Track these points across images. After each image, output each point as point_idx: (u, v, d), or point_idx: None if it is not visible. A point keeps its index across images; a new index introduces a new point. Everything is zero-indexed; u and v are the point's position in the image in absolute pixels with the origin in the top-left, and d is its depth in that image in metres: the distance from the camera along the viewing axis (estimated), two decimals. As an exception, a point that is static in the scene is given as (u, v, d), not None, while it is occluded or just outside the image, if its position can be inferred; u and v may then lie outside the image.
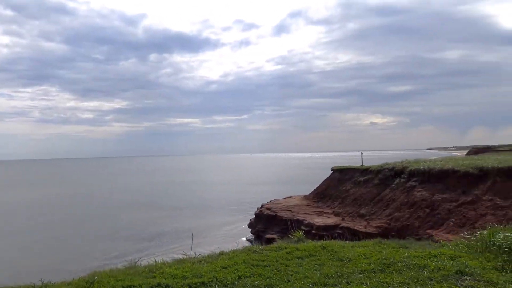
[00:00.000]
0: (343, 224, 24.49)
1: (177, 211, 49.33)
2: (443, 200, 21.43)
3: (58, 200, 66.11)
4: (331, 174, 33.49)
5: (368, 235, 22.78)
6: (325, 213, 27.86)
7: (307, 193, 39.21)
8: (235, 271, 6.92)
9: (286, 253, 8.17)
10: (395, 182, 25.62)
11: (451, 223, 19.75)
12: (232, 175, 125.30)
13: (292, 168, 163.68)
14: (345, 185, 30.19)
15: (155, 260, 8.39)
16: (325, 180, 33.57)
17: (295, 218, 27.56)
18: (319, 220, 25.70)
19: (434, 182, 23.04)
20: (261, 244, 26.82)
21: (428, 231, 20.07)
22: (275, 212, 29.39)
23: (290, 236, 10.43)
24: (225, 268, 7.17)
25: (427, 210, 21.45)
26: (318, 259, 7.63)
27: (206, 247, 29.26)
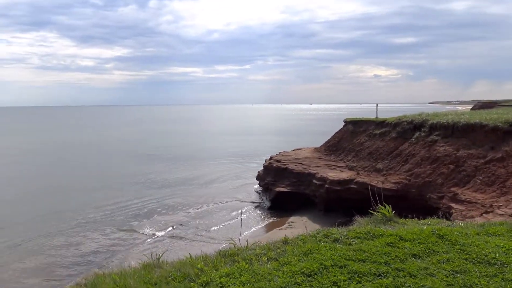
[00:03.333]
0: (358, 179, 23.27)
1: (182, 162, 48.35)
2: (469, 156, 20.01)
3: (54, 148, 65.12)
4: (343, 126, 31.97)
5: (386, 191, 21.65)
6: (338, 166, 26.61)
7: (314, 145, 37.94)
8: (332, 286, 4.70)
9: (388, 244, 6.00)
10: (415, 136, 24.10)
11: (479, 181, 18.45)
12: (235, 125, 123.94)
13: (295, 119, 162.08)
14: (359, 138, 28.75)
15: (189, 254, 6.45)
16: (337, 132, 32.10)
17: (306, 172, 26.38)
18: (333, 174, 24.47)
19: (459, 137, 21.52)
20: (270, 197, 25.81)
21: (453, 188, 18.82)
22: (285, 164, 28.16)
23: (373, 212, 8.20)
24: (310, 276, 4.96)
25: (451, 166, 20.09)
26: (448, 260, 5.43)
27: (219, 199, 28.58)
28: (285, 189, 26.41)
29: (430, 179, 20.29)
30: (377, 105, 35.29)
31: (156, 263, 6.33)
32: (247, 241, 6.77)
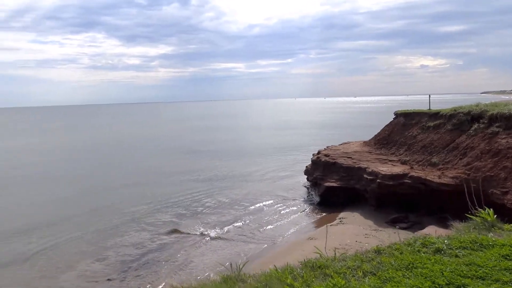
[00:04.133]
0: (413, 173, 22.37)
1: (227, 157, 48.67)
2: (535, 149, 18.73)
3: (104, 145, 67.43)
4: (394, 118, 30.89)
5: (444, 186, 20.69)
6: (390, 160, 25.74)
7: (362, 138, 36.98)
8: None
9: (503, 257, 5.25)
10: (473, 128, 22.85)
11: (547, 175, 17.23)
12: (278, 120, 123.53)
13: (340, 113, 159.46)
14: (411, 131, 27.66)
15: (275, 266, 5.96)
16: (387, 125, 31.07)
17: (356, 166, 25.71)
18: (384, 169, 23.68)
19: (523, 128, 20.19)
20: (319, 192, 25.35)
21: (518, 183, 17.68)
22: (334, 159, 27.59)
23: (470, 216, 7.32)
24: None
25: (515, 159, 18.88)
26: None
27: (267, 195, 28.46)
28: (334, 184, 25.89)
29: (492, 174, 19.15)
30: (429, 96, 33.85)
31: (238, 275, 5.98)
32: (334, 251, 6.41)
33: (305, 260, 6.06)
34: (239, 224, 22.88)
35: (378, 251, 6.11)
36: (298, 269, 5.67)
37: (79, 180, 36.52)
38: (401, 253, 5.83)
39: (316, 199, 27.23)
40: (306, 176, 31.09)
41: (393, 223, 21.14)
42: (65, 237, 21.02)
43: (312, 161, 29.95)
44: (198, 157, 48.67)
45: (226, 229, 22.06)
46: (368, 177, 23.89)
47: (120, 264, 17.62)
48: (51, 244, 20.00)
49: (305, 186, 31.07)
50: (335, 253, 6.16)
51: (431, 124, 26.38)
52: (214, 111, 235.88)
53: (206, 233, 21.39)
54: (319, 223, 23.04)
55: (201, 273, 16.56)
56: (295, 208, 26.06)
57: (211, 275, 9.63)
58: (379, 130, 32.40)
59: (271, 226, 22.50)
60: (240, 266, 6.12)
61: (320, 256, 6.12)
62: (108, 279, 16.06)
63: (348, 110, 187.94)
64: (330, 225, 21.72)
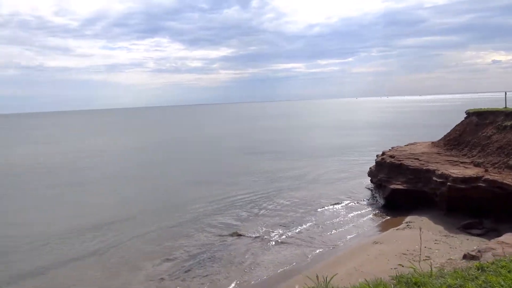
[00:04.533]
0: (488, 177, 20.85)
1: (287, 158, 48.46)
2: None
3: (169, 144, 69.66)
4: (465, 118, 29.06)
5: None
6: (461, 162, 24.20)
7: (429, 139, 35.21)
8: None
9: None
10: (557, 127, 20.96)
11: None
12: (339, 120, 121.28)
13: (404, 112, 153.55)
14: (485, 131, 25.85)
15: (365, 280, 5.50)
16: (458, 125, 29.30)
17: (424, 168, 24.46)
18: (456, 171, 22.29)
19: None
20: (384, 195, 24.34)
21: None
22: (400, 160, 26.47)
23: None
24: None
25: None
26: None
27: (328, 197, 27.77)
28: (400, 186, 24.81)
29: None
30: (505, 93, 31.45)
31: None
32: (430, 265, 5.91)
33: (398, 275, 5.63)
34: (301, 226, 22.51)
35: (481, 268, 5.49)
36: (392, 285, 5.26)
37: (145, 179, 38.05)
38: (509, 272, 5.20)
39: (380, 201, 26.27)
40: (369, 178, 30.15)
41: (465, 229, 19.87)
42: (130, 235, 21.79)
43: (377, 162, 28.95)
44: (259, 157, 48.87)
45: (287, 231, 21.80)
46: (438, 180, 22.63)
47: (183, 264, 17.95)
48: (116, 242, 20.83)
49: (368, 188, 30.12)
50: (431, 268, 5.61)
51: (509, 123, 24.49)
52: (274, 111, 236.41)
53: (267, 235, 21.22)
54: (383, 227, 22.18)
55: (267, 275, 16.49)
56: (357, 210, 25.30)
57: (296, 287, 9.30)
58: (447, 130, 30.71)
59: (334, 229, 21.96)
60: (328, 279, 5.74)
61: (414, 270, 5.55)
62: (172, 279, 16.43)
63: (412, 109, 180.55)
64: (396, 229, 20.84)
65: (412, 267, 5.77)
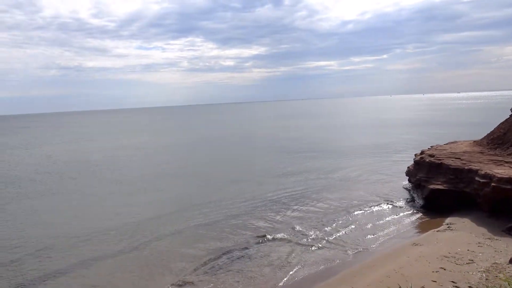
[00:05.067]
0: (535, 177, 19.84)
1: (319, 156, 47.94)
2: None
3: (204, 142, 70.29)
4: (510, 115, 27.81)
5: None
6: (506, 162, 23.11)
7: (469, 137, 33.98)
8: None
9: None
10: None
11: None
12: (372, 118, 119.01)
13: (441, 110, 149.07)
14: (532, 129, 24.65)
15: None
16: (502, 123, 28.06)
17: (466, 167, 23.53)
18: (500, 171, 21.31)
19: None
20: (423, 195, 23.62)
21: None
22: (440, 159, 25.59)
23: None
24: None
25: None
26: None
27: (364, 197, 27.14)
28: (440, 186, 23.99)
29: None
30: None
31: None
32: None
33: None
34: (337, 227, 22.09)
35: None
36: None
37: (180, 178, 38.53)
38: None
39: (419, 202, 25.49)
40: (407, 178, 29.36)
41: (510, 231, 18.98)
42: (166, 232, 22.13)
43: (415, 161, 28.14)
44: (292, 156, 48.58)
45: (323, 232, 21.49)
46: (481, 180, 21.71)
47: (217, 261, 18.02)
48: (153, 239, 21.16)
49: (405, 188, 29.33)
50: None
51: (558, 121, 23.26)
52: (307, 110, 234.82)
53: (303, 236, 20.95)
54: (423, 228, 21.50)
55: (303, 274, 16.35)
56: (395, 211, 24.66)
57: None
58: (489, 129, 29.55)
59: (371, 230, 21.47)
60: None
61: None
62: (207, 275, 16.51)
63: (450, 107, 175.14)
64: (437, 231, 20.15)
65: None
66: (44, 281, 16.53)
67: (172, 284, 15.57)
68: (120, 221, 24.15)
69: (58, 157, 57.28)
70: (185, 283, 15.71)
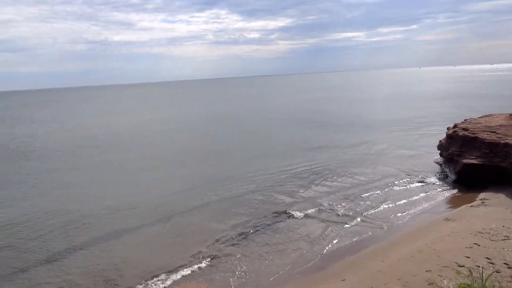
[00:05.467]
0: None
1: (346, 129, 47.29)
2: None
3: (228, 116, 70.28)
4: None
5: None
6: (546, 136, 22.20)
7: (506, 111, 32.64)
8: None
9: None
10: None
11: None
12: (401, 90, 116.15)
13: (474, 82, 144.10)
14: None
15: None
16: (542, 95, 26.81)
17: (502, 142, 22.70)
18: (540, 145, 20.49)
19: None
20: (456, 169, 23.00)
21: None
22: (474, 133, 24.75)
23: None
24: None
25: None
26: None
27: (394, 171, 26.65)
28: (474, 161, 23.28)
29: None
30: None
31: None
32: None
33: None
34: (367, 202, 21.77)
35: None
36: None
37: (208, 151, 38.79)
38: None
39: (452, 177, 24.86)
40: (438, 152, 28.63)
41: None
42: (194, 205, 22.36)
43: (448, 135, 27.33)
44: (320, 130, 48.06)
45: (353, 206, 21.28)
46: (518, 155, 20.94)
47: (248, 233, 18.13)
48: (181, 211, 21.49)
49: (436, 163, 28.64)
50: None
51: None
52: (334, 82, 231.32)
53: (333, 210, 20.71)
54: (455, 203, 21.00)
55: (338, 247, 16.30)
56: (426, 185, 24.14)
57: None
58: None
59: (401, 205, 21.06)
60: (485, 275, 4.79)
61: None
62: (231, 250, 16.65)
63: (483, 79, 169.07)
64: (470, 206, 19.66)
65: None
66: (74, 252, 17.00)
67: (203, 256, 15.77)
68: (148, 195, 24.48)
69: (87, 130, 58.50)
70: (214, 255, 15.89)
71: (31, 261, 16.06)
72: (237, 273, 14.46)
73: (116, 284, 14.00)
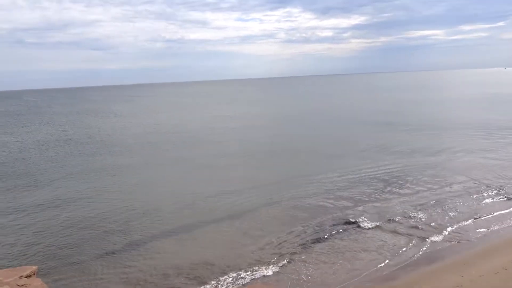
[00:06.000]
0: None
1: (422, 132, 45.08)
2: None
3: (303, 115, 69.95)
4: None
5: None
6: None
7: None
8: None
9: None
10: None
11: None
12: (482, 92, 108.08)
13: None
14: None
15: None
16: None
17: None
18: None
19: None
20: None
21: None
22: None
23: None
24: None
25: None
26: None
27: (470, 178, 24.46)
28: None
29: None
30: None
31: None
32: None
33: None
34: (443, 213, 20.46)
35: None
36: None
37: (278, 150, 39.03)
38: None
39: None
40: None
41: None
42: (261, 203, 22.76)
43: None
44: (395, 131, 46.46)
45: (426, 214, 20.15)
46: None
47: (312, 234, 18.07)
48: (248, 208, 21.97)
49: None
50: None
51: None
52: (409, 82, 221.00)
53: (403, 222, 19.87)
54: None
55: (411, 255, 15.87)
56: (509, 195, 22.35)
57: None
58: None
59: (483, 220, 19.62)
60: None
61: None
62: (298, 250, 16.77)
63: None
64: None
65: None
66: (150, 241, 18.07)
67: (269, 258, 15.96)
68: (218, 192, 25.17)
69: (164, 126, 61.62)
70: (281, 257, 15.97)
71: (110, 248, 17.49)
72: (303, 276, 14.46)
73: (188, 277, 14.80)
